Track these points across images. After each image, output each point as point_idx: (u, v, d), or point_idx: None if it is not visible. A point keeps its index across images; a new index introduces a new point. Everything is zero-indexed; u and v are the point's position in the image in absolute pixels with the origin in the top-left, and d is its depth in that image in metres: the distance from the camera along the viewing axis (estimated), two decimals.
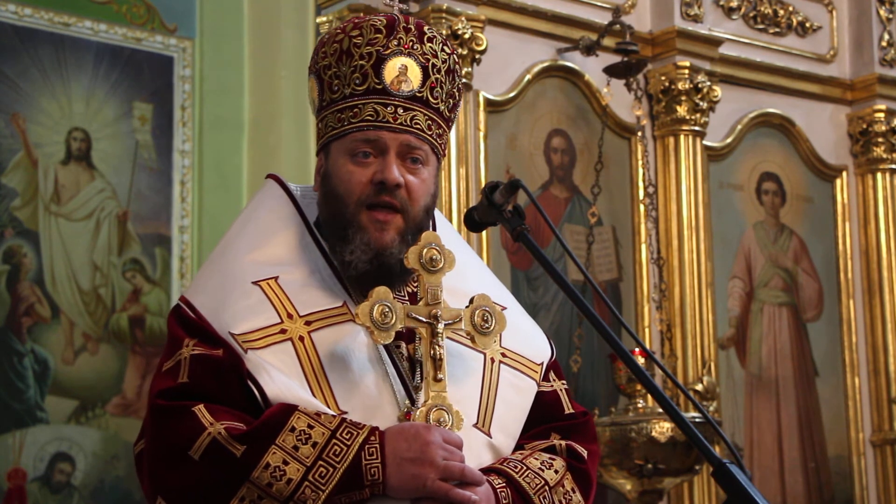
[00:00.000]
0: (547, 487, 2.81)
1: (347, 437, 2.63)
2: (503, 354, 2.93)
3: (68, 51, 6.92)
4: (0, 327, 6.61)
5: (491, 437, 2.83)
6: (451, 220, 5.92)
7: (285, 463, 2.60)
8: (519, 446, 2.89)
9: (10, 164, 6.73)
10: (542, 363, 3.00)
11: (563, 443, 2.92)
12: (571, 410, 3.00)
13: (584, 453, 2.93)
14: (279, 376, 2.70)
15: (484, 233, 5.98)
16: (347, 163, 2.85)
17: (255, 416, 2.67)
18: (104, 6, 7.08)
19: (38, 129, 6.82)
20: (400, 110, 2.84)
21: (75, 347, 6.76)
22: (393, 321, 2.72)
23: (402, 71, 2.85)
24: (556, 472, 2.85)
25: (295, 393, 2.69)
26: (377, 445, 2.63)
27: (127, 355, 6.90)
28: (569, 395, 3.04)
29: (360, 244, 2.81)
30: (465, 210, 3.01)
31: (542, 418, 2.95)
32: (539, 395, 2.96)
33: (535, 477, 2.80)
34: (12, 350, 6.61)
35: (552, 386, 3.00)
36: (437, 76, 2.89)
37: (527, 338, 3.02)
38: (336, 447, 2.62)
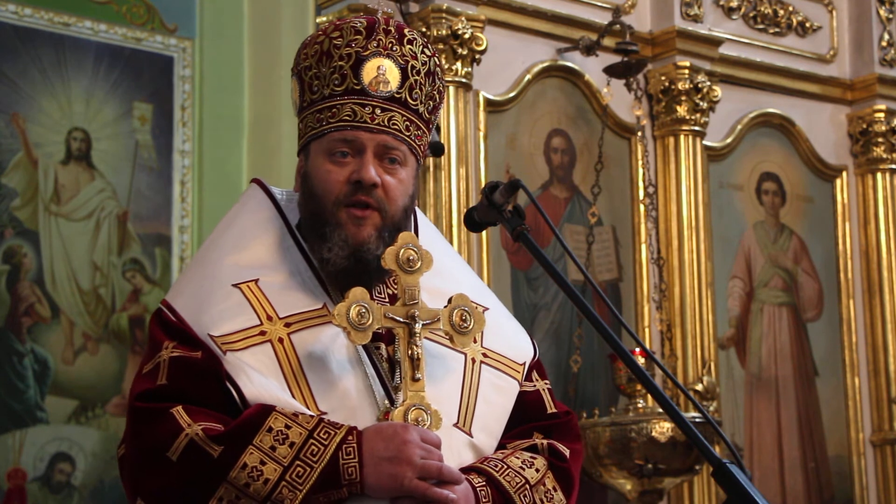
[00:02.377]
0: (527, 486, 2.81)
1: (325, 437, 2.64)
2: (484, 355, 2.93)
3: (68, 51, 6.93)
4: (0, 327, 6.62)
5: (472, 437, 2.83)
6: (451, 221, 5.96)
7: (262, 463, 2.61)
8: (501, 446, 2.90)
9: (10, 164, 6.73)
10: (524, 363, 3.00)
11: (545, 442, 2.92)
12: (554, 410, 3.01)
13: (567, 452, 2.93)
14: (258, 377, 2.71)
15: (484, 233, 5.98)
16: (325, 162, 2.87)
17: (235, 417, 2.68)
18: (104, 6, 7.08)
19: (38, 129, 6.81)
20: (378, 111, 2.85)
21: (75, 347, 6.77)
22: (370, 322, 2.73)
23: (381, 72, 2.87)
24: (537, 470, 2.85)
25: (273, 394, 2.69)
26: (354, 445, 2.64)
27: (127, 355, 6.89)
28: (551, 395, 3.04)
29: (338, 241, 2.82)
30: (465, 210, 3.01)
31: (525, 418, 2.96)
32: (521, 395, 2.96)
33: (516, 475, 2.81)
34: (12, 350, 6.61)
35: (535, 386, 3.01)
36: (416, 77, 2.90)
37: (509, 338, 3.02)
38: (313, 447, 2.63)
